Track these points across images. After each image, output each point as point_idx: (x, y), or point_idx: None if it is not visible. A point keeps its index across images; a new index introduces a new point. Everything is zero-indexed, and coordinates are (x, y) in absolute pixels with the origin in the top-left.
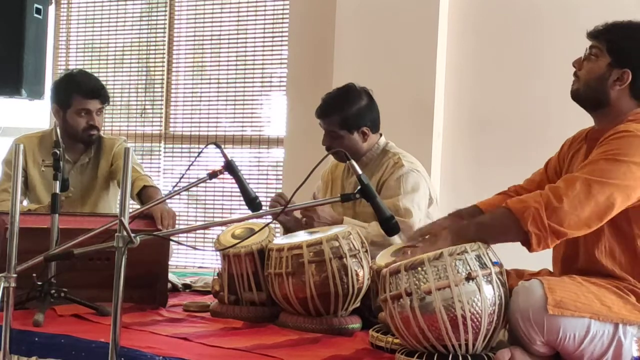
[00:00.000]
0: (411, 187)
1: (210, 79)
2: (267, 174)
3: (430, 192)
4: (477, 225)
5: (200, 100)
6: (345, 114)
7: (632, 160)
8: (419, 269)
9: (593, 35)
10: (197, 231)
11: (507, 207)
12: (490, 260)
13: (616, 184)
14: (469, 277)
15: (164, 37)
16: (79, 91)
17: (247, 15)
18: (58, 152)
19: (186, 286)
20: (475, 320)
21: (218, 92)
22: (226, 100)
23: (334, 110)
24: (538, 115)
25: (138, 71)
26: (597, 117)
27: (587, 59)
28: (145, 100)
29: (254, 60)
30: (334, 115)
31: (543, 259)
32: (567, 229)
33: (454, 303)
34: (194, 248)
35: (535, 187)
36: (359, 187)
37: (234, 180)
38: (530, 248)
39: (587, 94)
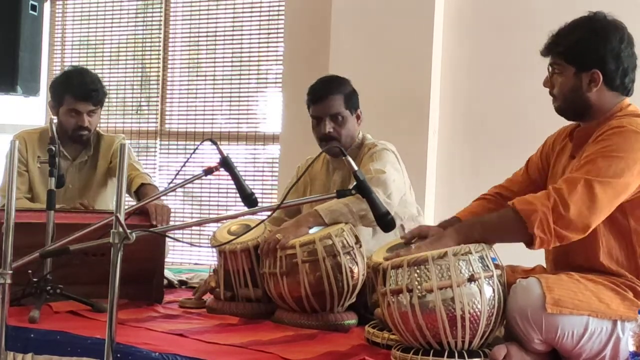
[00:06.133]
0: (384, 160)
1: (205, 75)
2: (262, 171)
3: (404, 176)
4: (483, 224)
5: (196, 97)
6: (347, 91)
7: (628, 155)
8: (422, 266)
9: (547, 52)
10: (193, 228)
11: (514, 208)
12: (492, 262)
13: (615, 181)
14: (472, 279)
15: (160, 33)
16: (71, 92)
17: (243, 12)
18: (53, 148)
19: (182, 283)
20: (473, 321)
21: (214, 88)
22: (222, 96)
23: (336, 89)
24: (533, 112)
25: (133, 68)
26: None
27: (554, 76)
28: (140, 97)
29: (249, 56)
30: (337, 94)
31: (536, 255)
32: (571, 233)
33: (455, 303)
34: (191, 244)
35: (516, 187)
36: (354, 183)
37: (229, 177)
38: (531, 247)
39: (569, 107)
